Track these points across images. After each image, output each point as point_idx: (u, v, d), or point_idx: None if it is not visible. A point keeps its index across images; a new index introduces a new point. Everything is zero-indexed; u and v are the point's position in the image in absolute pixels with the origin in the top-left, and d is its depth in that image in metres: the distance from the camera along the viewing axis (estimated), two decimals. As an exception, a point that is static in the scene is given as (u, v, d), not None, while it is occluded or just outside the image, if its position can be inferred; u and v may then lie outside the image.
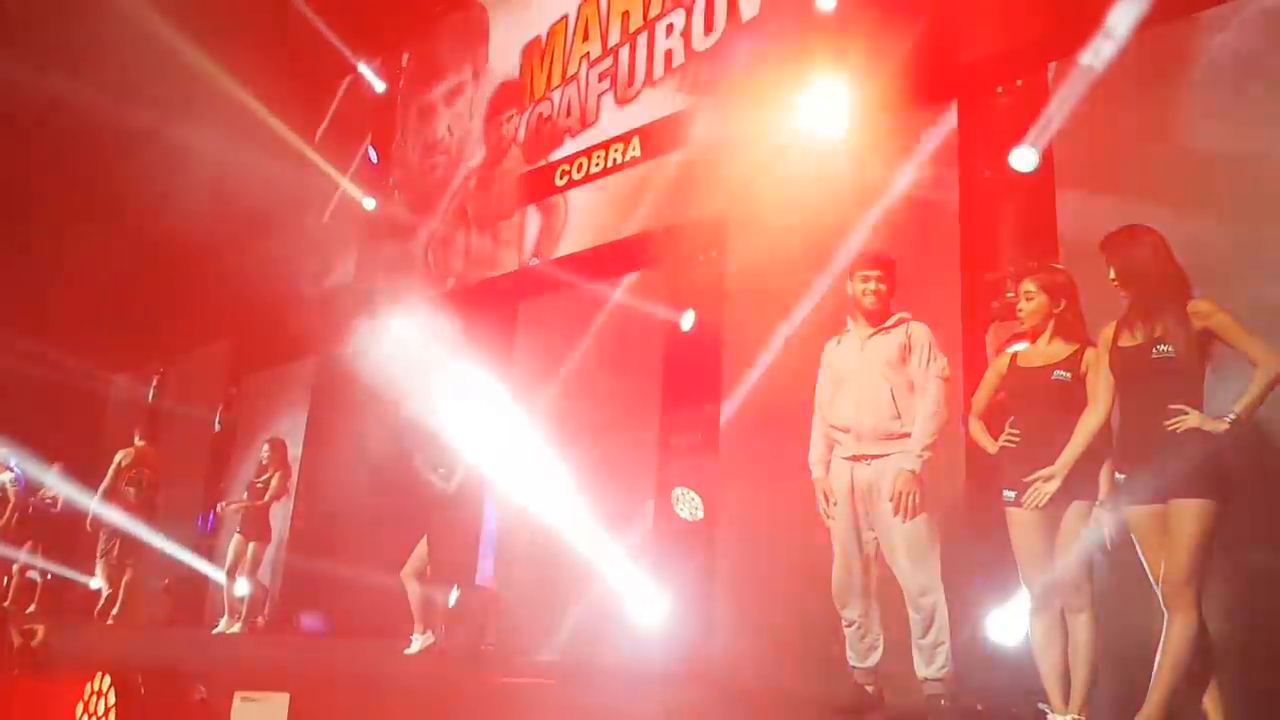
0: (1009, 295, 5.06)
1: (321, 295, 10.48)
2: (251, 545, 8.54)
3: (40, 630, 3.92)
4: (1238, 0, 4.49)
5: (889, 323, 4.23)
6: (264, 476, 8.73)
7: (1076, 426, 3.55)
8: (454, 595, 6.88)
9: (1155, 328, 3.38)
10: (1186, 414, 3.26)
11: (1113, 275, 3.51)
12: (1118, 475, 3.46)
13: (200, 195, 9.86)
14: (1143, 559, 3.38)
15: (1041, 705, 3.70)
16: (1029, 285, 3.80)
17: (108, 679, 2.88)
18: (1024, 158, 5.06)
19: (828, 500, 4.23)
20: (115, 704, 2.83)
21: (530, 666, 6.50)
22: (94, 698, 2.91)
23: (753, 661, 5.48)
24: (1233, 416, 3.23)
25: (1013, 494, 3.72)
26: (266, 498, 8.58)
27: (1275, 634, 3.81)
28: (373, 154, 10.43)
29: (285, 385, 10.25)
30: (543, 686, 5.51)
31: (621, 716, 4.37)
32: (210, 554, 9.78)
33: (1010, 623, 4.45)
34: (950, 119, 5.39)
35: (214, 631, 8.50)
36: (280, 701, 2.87)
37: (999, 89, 5.35)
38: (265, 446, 8.89)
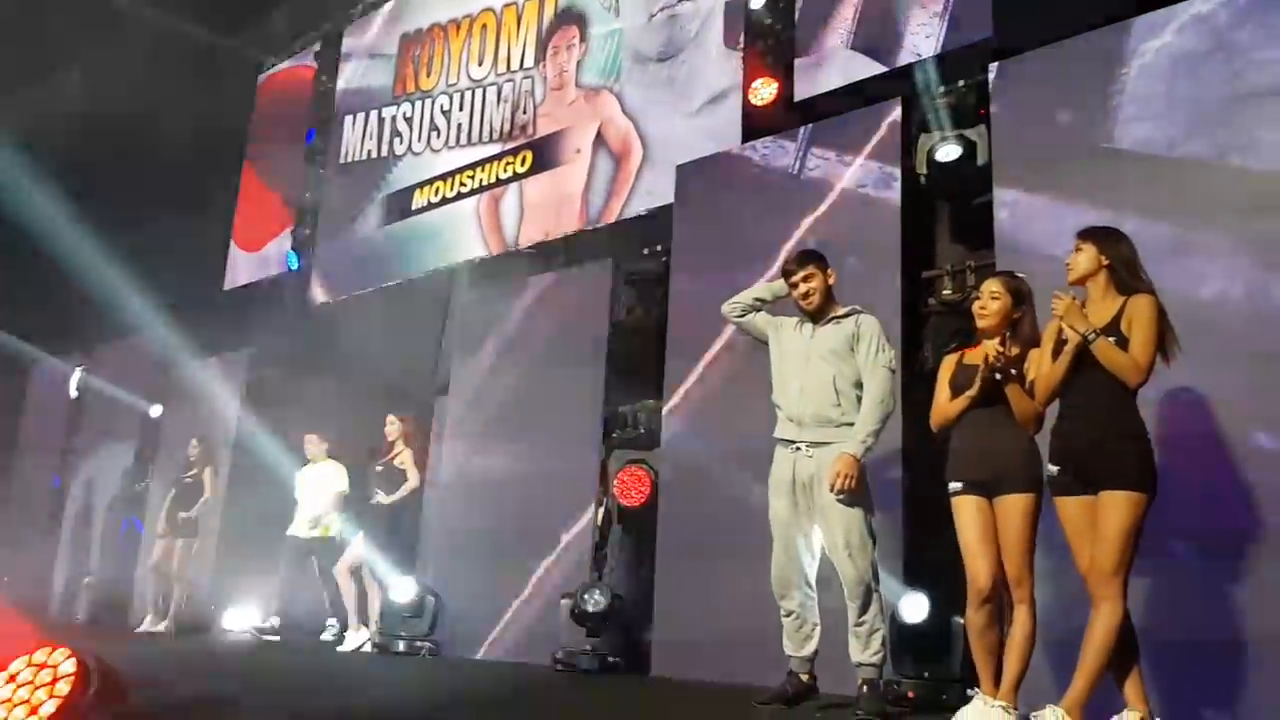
0: (945, 293, 5.16)
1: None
2: (179, 543, 8.36)
3: None
4: (1171, 7, 4.63)
5: (840, 313, 4.24)
6: (192, 472, 8.53)
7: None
8: (391, 592, 6.78)
9: (1099, 323, 3.35)
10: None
11: (1097, 263, 3.42)
12: (1050, 468, 3.48)
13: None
14: (1071, 548, 3.42)
15: (971, 690, 3.73)
16: (995, 286, 3.78)
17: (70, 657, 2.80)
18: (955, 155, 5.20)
19: None
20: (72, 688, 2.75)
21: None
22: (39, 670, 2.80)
23: (692, 653, 5.47)
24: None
25: (959, 485, 3.76)
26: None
27: (1196, 623, 3.91)
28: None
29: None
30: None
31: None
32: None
33: (944, 610, 4.56)
34: (894, 116, 5.47)
35: (138, 630, 8.29)
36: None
37: (941, 88, 5.44)
38: (193, 442, 8.69)
